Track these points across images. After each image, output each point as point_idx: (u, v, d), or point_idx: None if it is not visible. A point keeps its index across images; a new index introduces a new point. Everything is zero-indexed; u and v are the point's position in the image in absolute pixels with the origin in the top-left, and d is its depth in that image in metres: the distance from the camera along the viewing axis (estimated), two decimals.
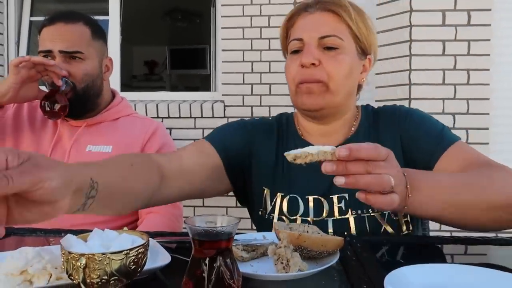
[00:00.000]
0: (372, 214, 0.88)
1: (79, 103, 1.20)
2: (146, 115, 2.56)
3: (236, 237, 0.73)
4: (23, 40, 2.95)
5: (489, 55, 2.16)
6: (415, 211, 0.71)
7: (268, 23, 2.74)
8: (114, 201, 0.66)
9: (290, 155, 0.63)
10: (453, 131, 0.94)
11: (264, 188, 0.97)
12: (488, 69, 2.17)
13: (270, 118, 1.07)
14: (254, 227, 1.06)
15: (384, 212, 0.87)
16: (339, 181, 0.60)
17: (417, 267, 0.61)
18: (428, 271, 0.61)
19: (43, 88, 1.22)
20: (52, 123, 1.25)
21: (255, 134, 1.01)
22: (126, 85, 3.90)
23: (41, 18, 3.01)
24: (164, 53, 5.01)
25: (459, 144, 0.89)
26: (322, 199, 0.91)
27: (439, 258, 0.78)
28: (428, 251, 0.78)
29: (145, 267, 0.56)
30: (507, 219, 0.73)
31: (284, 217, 0.92)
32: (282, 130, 1.02)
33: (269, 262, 0.68)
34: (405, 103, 2.20)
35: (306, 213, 0.91)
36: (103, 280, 0.50)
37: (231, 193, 1.06)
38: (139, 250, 0.53)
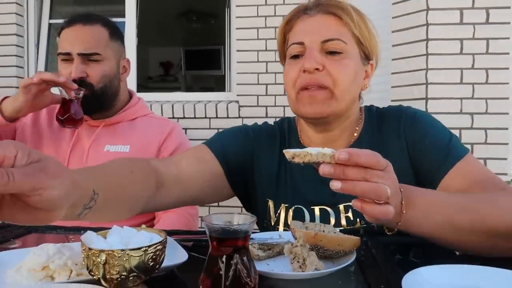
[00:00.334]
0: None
1: (97, 103, 1.23)
2: (162, 115, 2.59)
3: (252, 235, 0.73)
4: (43, 42, 3.02)
5: (508, 53, 2.12)
6: (408, 228, 0.69)
7: None
8: (109, 211, 0.66)
9: (289, 152, 0.62)
10: (472, 132, 0.92)
11: (267, 200, 0.95)
12: (507, 68, 2.12)
13: (273, 124, 1.03)
14: None
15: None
16: (336, 185, 0.59)
17: (435, 267, 0.60)
18: (447, 272, 0.60)
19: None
20: None
21: (257, 143, 0.98)
22: (142, 86, 3.96)
23: (59, 21, 3.07)
24: (179, 54, 5.06)
25: (468, 158, 0.84)
26: (328, 208, 0.89)
27: (457, 259, 0.77)
28: (446, 251, 0.77)
29: (163, 265, 0.57)
30: (505, 247, 0.70)
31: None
32: (285, 138, 0.99)
33: (285, 261, 0.68)
34: (422, 103, 2.17)
35: None
36: (122, 276, 0.51)
37: None
38: (157, 247, 0.54)
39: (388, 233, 0.72)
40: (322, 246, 0.67)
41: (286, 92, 0.92)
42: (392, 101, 2.32)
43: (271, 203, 0.94)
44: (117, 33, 1.29)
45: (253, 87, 2.77)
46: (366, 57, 0.91)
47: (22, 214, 0.46)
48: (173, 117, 2.73)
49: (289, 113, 1.05)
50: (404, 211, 0.66)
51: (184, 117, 2.74)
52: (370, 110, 0.98)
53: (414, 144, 0.89)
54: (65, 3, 3.45)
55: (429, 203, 0.70)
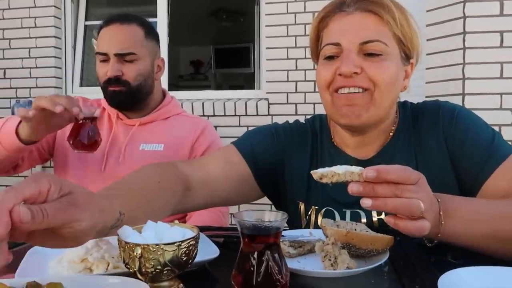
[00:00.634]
0: None
1: (132, 100, 1.26)
2: (193, 113, 2.63)
3: (283, 233, 0.73)
4: (79, 43, 3.13)
5: None
6: (448, 239, 0.67)
7: (313, 19, 2.71)
8: (137, 223, 0.67)
9: (316, 173, 0.61)
10: None
11: (298, 201, 0.93)
12: None
13: (304, 122, 1.00)
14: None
15: None
16: (366, 203, 0.57)
17: (473, 269, 0.58)
18: (485, 273, 0.58)
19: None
20: (107, 122, 1.32)
21: (288, 143, 0.95)
22: (173, 85, 4.03)
23: (95, 22, 3.18)
24: (209, 52, 5.11)
25: None
26: (360, 211, 0.86)
27: (496, 260, 0.74)
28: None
29: (195, 260, 0.58)
30: None
31: None
32: (317, 137, 0.95)
33: (316, 259, 0.68)
34: (458, 99, 2.09)
35: None
36: (157, 270, 0.52)
37: None
38: (190, 242, 0.55)
39: (428, 244, 0.69)
40: (354, 244, 0.66)
41: (319, 93, 0.87)
42: (426, 97, 2.25)
43: (302, 205, 0.92)
44: (152, 33, 1.32)
45: (283, 84, 2.76)
46: (407, 56, 0.85)
47: (53, 242, 0.49)
48: (203, 115, 2.76)
49: (319, 111, 1.03)
50: (443, 222, 0.64)
51: (214, 115, 2.77)
52: (404, 106, 0.93)
53: (454, 142, 0.84)
54: (100, 5, 3.56)
55: (469, 213, 0.67)
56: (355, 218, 0.86)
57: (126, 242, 0.53)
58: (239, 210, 2.50)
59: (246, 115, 2.77)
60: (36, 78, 2.98)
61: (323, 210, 0.89)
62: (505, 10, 2.04)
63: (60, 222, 0.45)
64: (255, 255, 0.53)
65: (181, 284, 0.57)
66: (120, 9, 3.50)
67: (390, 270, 0.65)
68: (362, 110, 0.80)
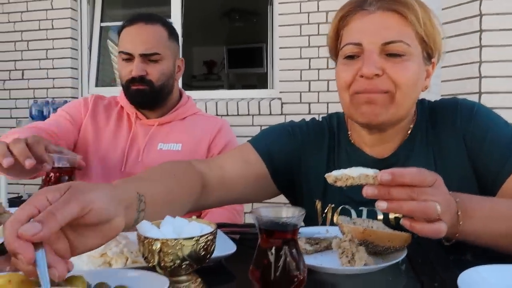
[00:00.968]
0: None
1: (155, 100, 1.27)
2: (206, 113, 2.65)
3: (299, 230, 0.73)
4: (95, 44, 3.18)
5: None
6: (467, 238, 0.66)
7: (326, 18, 2.70)
8: (162, 211, 0.66)
9: (330, 176, 0.61)
10: None
11: (315, 200, 0.92)
12: None
13: (321, 120, 0.99)
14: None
15: None
16: (381, 206, 0.57)
17: (494, 267, 0.57)
18: (506, 271, 0.57)
19: None
20: (127, 122, 1.33)
21: (304, 141, 0.94)
22: (187, 85, 4.06)
23: (110, 24, 3.23)
24: (222, 53, 5.13)
25: None
26: (377, 209, 0.87)
27: None
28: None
29: (213, 255, 0.58)
30: None
31: None
32: (334, 136, 0.95)
33: (333, 256, 0.68)
34: (475, 97, 2.06)
35: None
36: (175, 264, 0.53)
37: None
38: (208, 237, 0.55)
39: (446, 243, 0.68)
40: (371, 241, 0.66)
41: (338, 92, 0.86)
42: (442, 95, 2.22)
43: (318, 203, 0.92)
44: (174, 33, 1.33)
45: (296, 84, 2.76)
46: (429, 56, 0.83)
47: (91, 238, 0.50)
48: (217, 114, 2.78)
49: (332, 110, 1.02)
50: (461, 222, 0.63)
51: (227, 115, 2.78)
52: (422, 104, 0.92)
53: (473, 139, 0.83)
54: (115, 7, 3.61)
55: (488, 213, 0.66)
56: (372, 216, 0.86)
57: (145, 237, 0.54)
58: (252, 208, 2.49)
59: (259, 114, 2.78)
60: (53, 78, 3.04)
61: (340, 208, 0.88)
62: None
63: (76, 210, 0.45)
64: (273, 251, 0.54)
65: (199, 279, 0.58)
66: (134, 10, 3.53)
67: (408, 268, 0.65)
68: (382, 109, 0.79)
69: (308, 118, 1.03)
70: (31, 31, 3.07)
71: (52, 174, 0.93)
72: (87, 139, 1.30)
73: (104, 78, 3.30)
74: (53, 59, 3.04)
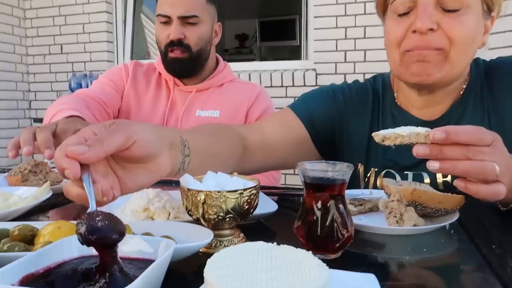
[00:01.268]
0: None
1: (192, 65, 1.26)
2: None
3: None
4: (129, 18, 3.19)
5: None
6: None
7: None
8: (205, 162, 0.65)
9: (378, 135, 0.57)
10: None
11: (357, 164, 0.89)
12: None
13: (364, 82, 0.95)
14: None
15: None
16: (433, 166, 0.52)
17: None
18: None
19: None
20: (165, 89, 1.33)
21: (347, 104, 0.91)
22: None
23: None
24: (254, 26, 5.05)
25: None
26: (423, 173, 0.82)
27: None
28: None
29: (255, 212, 0.57)
30: None
31: None
32: (378, 98, 0.90)
33: (378, 218, 0.65)
34: None
35: None
36: (219, 217, 0.52)
37: None
38: (252, 191, 0.54)
39: (502, 208, 0.64)
40: (421, 203, 0.63)
41: (386, 51, 0.81)
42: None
43: (361, 167, 0.89)
44: None
45: (331, 54, 2.67)
46: (489, 9, 0.76)
47: (140, 176, 0.49)
48: None
49: None
50: None
51: None
52: (476, 64, 0.85)
53: None
54: None
55: None
56: (418, 180, 0.82)
57: (189, 189, 0.53)
58: (285, 181, 2.47)
59: (293, 85, 2.73)
60: (90, 52, 3.10)
61: (383, 172, 0.85)
62: None
63: (122, 139, 0.44)
64: (320, 207, 0.52)
65: (242, 234, 0.57)
66: None
67: (460, 230, 0.61)
68: (435, 69, 0.74)
69: (355, 78, 0.99)
70: (68, 6, 3.12)
71: None
72: (129, 106, 1.31)
73: (138, 51, 3.33)
74: (89, 33, 3.09)
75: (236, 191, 0.52)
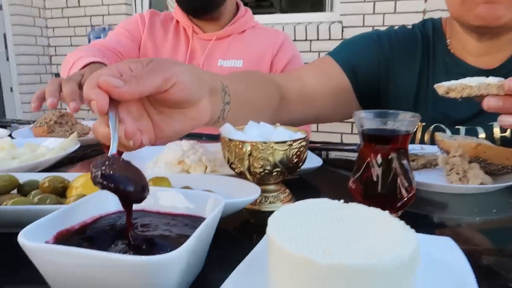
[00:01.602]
0: None
1: (207, 5, 1.16)
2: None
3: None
4: None
5: None
6: None
7: None
8: (244, 112, 0.59)
9: (442, 87, 0.50)
10: None
11: None
12: None
13: (412, 27, 0.85)
14: None
15: None
16: (506, 120, 0.47)
17: None
18: None
19: None
20: (184, 37, 1.25)
21: (394, 51, 0.82)
22: None
23: None
24: None
25: None
26: (478, 128, 0.74)
27: None
28: None
29: (302, 167, 0.51)
30: None
31: None
32: (428, 44, 0.82)
33: (434, 175, 0.59)
34: None
35: None
36: (265, 171, 0.47)
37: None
38: (302, 143, 0.48)
39: None
40: (486, 159, 0.56)
41: None
42: None
43: None
44: None
45: (359, 5, 2.51)
46: None
47: (177, 122, 0.43)
48: None
49: None
50: None
51: None
52: None
53: None
54: None
55: None
56: (471, 135, 0.74)
57: (231, 140, 0.47)
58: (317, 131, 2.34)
59: (317, 39, 2.59)
60: (108, 5, 2.99)
61: (432, 126, 0.78)
62: None
63: (160, 80, 0.39)
64: (380, 162, 0.46)
65: (288, 190, 0.52)
66: None
67: None
68: (505, 10, 0.65)
69: (402, 24, 0.89)
70: None
71: None
72: (147, 56, 1.25)
73: (156, 4, 3.20)
74: None
75: (284, 142, 0.46)
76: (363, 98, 0.83)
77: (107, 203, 0.38)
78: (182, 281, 0.29)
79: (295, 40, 2.62)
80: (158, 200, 0.39)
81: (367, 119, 0.47)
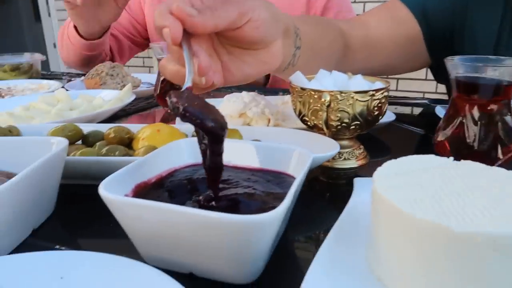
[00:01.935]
0: None
1: None
2: None
3: None
4: None
5: None
6: None
7: None
8: (311, 59, 0.55)
9: None
10: None
11: None
12: None
13: None
14: None
15: None
16: None
17: None
18: None
19: None
20: None
21: None
22: None
23: None
24: None
25: None
26: None
27: None
28: None
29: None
30: None
31: None
32: None
33: None
34: None
35: None
36: (343, 124, 0.42)
37: None
38: (384, 94, 0.43)
39: None
40: None
41: None
42: None
43: None
44: None
45: None
46: None
47: (248, 65, 0.40)
48: None
49: None
50: None
51: None
52: None
53: None
54: None
55: None
56: None
57: (304, 89, 0.43)
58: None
59: None
60: None
61: None
62: None
63: (235, 14, 0.35)
64: (479, 115, 0.40)
65: (362, 146, 0.48)
66: None
67: None
68: None
69: None
70: None
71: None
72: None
73: None
74: None
75: (366, 92, 0.42)
76: (433, 49, 0.75)
77: (181, 156, 0.35)
78: (274, 241, 0.27)
79: None
80: (234, 153, 0.35)
81: (464, 65, 0.40)
